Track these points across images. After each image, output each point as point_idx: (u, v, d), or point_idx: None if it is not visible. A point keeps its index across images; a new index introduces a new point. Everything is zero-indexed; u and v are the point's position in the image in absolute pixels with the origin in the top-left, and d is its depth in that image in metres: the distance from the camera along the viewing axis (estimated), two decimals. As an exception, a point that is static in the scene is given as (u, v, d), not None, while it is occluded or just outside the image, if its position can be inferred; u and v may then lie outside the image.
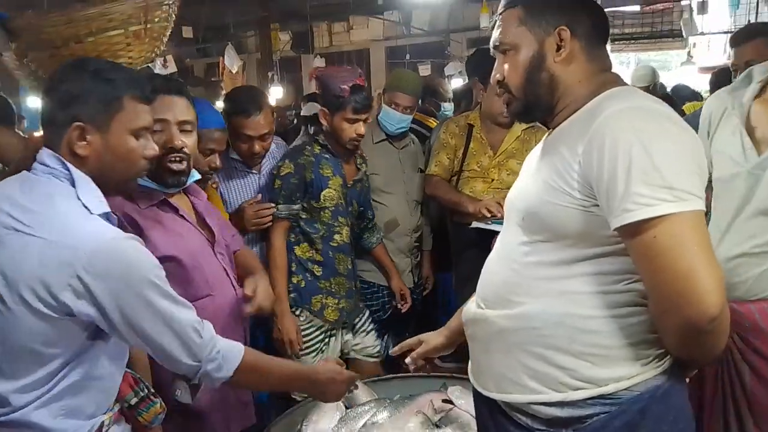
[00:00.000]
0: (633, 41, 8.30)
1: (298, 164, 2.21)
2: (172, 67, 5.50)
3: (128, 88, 1.24)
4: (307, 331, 2.29)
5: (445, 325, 1.53)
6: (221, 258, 1.64)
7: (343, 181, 2.29)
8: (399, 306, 2.61)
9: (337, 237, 2.28)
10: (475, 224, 2.36)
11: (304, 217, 2.25)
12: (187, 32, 6.19)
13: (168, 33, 2.05)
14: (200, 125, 1.78)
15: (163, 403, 1.34)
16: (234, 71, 7.43)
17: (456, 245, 2.67)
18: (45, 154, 1.19)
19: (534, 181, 1.17)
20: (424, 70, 8.41)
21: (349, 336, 2.43)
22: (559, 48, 1.15)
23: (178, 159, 1.54)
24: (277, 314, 2.17)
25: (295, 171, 2.21)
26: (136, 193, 1.50)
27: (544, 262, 1.12)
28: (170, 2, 1.95)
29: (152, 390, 1.34)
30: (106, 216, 1.21)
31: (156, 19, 1.91)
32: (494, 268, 1.24)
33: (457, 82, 7.19)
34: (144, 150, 1.27)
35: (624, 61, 10.21)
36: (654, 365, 1.10)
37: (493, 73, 1.24)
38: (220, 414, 1.60)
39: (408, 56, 8.75)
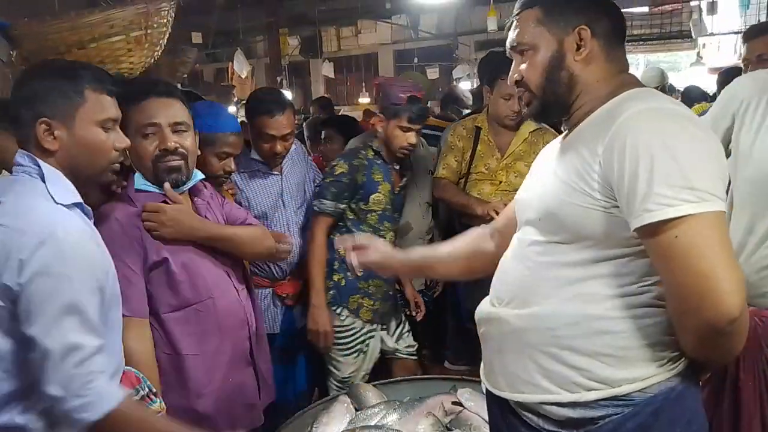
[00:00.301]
0: (642, 42, 8.28)
1: (352, 165, 2.25)
2: (181, 73, 5.54)
3: (89, 81, 1.26)
4: (350, 331, 2.32)
5: (406, 254, 1.50)
6: (223, 259, 1.64)
7: (391, 187, 2.34)
8: (413, 314, 2.60)
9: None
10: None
11: (351, 217, 2.28)
12: (197, 38, 6.23)
13: (165, 38, 2.08)
14: (215, 129, 1.78)
15: (163, 404, 1.35)
16: (243, 76, 7.48)
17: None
18: (18, 154, 1.24)
19: (552, 181, 1.16)
20: (432, 73, 8.43)
21: (391, 341, 2.45)
22: (579, 47, 1.15)
23: (173, 159, 1.55)
24: (313, 306, 2.20)
25: (349, 171, 2.24)
26: (137, 197, 1.51)
27: (560, 263, 1.12)
28: (168, 8, 1.98)
29: (154, 390, 1.35)
30: (78, 206, 1.23)
31: (155, 25, 1.95)
32: (509, 267, 1.24)
33: (465, 85, 7.21)
34: (114, 142, 1.30)
35: (633, 63, 10.18)
36: (668, 367, 1.09)
37: (510, 74, 1.24)
38: (226, 417, 1.61)
39: (416, 59, 8.77)
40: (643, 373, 1.08)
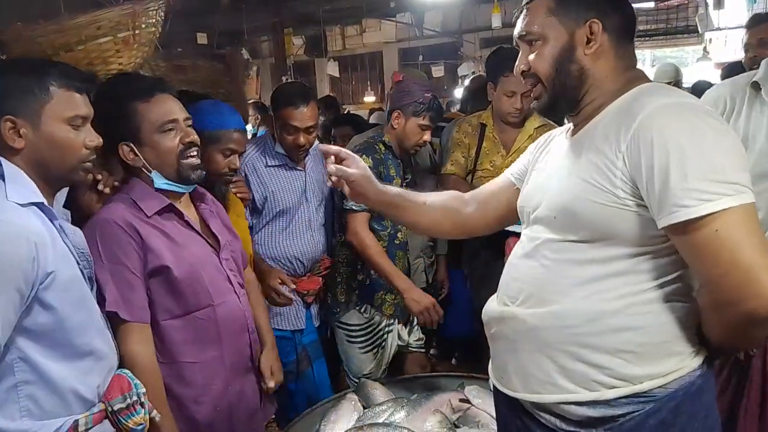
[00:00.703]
0: (648, 38, 8.23)
1: (375, 159, 2.25)
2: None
3: (55, 78, 1.24)
4: (370, 327, 2.33)
5: (383, 187, 1.43)
6: (226, 264, 1.61)
7: (401, 182, 2.34)
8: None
9: (399, 235, 2.33)
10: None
11: (373, 214, 2.27)
12: (202, 38, 6.24)
13: (156, 37, 2.08)
14: (219, 126, 1.77)
15: (147, 415, 1.31)
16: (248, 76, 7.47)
17: (471, 245, 2.67)
18: None
19: (568, 180, 1.14)
20: (438, 71, 8.43)
21: (405, 334, 2.45)
22: (589, 41, 1.14)
23: (194, 154, 1.54)
24: (405, 291, 2.18)
25: (374, 165, 2.22)
26: (142, 199, 1.48)
27: (578, 260, 1.11)
28: (156, 7, 1.98)
29: (143, 399, 1.32)
30: (38, 206, 1.20)
31: (143, 25, 1.95)
32: (521, 266, 1.22)
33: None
34: (85, 140, 1.27)
35: (639, 58, 10.10)
36: (688, 362, 1.09)
37: (517, 64, 1.22)
38: (227, 425, 1.59)
39: (421, 57, 8.77)
40: (663, 369, 1.07)
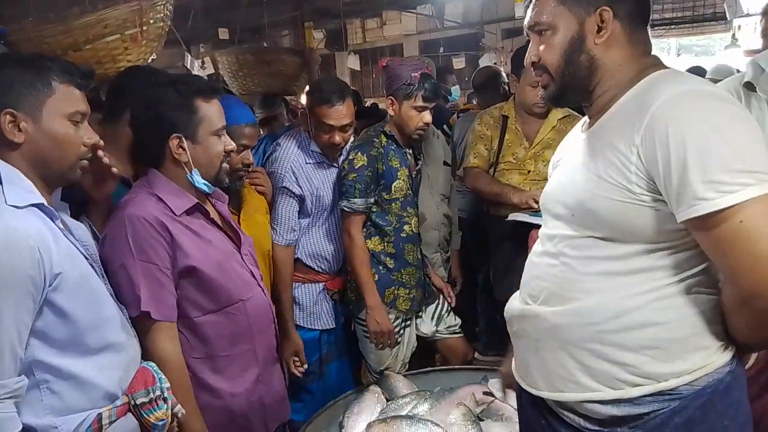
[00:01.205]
0: (674, 26, 8.05)
1: (370, 156, 2.20)
2: (210, 69, 5.60)
3: (57, 73, 1.22)
4: None
5: None
6: (247, 260, 1.63)
7: (408, 171, 2.30)
8: (448, 302, 2.53)
9: (406, 228, 2.29)
10: (512, 217, 2.33)
11: (374, 210, 2.26)
12: (224, 34, 6.29)
13: (166, 31, 2.09)
14: (230, 122, 1.77)
15: (169, 411, 1.31)
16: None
17: (493, 239, 2.65)
18: None
19: (583, 176, 1.11)
20: (459, 62, 8.35)
21: (428, 326, 2.43)
22: (600, 29, 1.10)
23: (229, 160, 1.58)
24: (370, 308, 2.20)
25: (369, 164, 2.19)
26: (169, 197, 1.47)
27: (598, 257, 1.09)
28: (164, 2, 1.98)
29: (166, 394, 1.32)
30: (38, 207, 1.18)
31: (152, 21, 1.95)
32: (541, 264, 1.20)
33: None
34: (84, 137, 1.25)
35: (664, 47, 9.92)
36: (716, 358, 1.05)
37: (527, 55, 1.20)
38: (260, 414, 1.62)
39: (442, 49, 8.71)
40: (690, 366, 1.04)
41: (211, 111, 1.50)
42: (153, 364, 1.36)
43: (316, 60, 3.76)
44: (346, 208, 2.19)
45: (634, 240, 1.05)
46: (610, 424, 1.09)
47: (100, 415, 1.22)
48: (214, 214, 1.59)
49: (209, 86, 1.54)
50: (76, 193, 1.45)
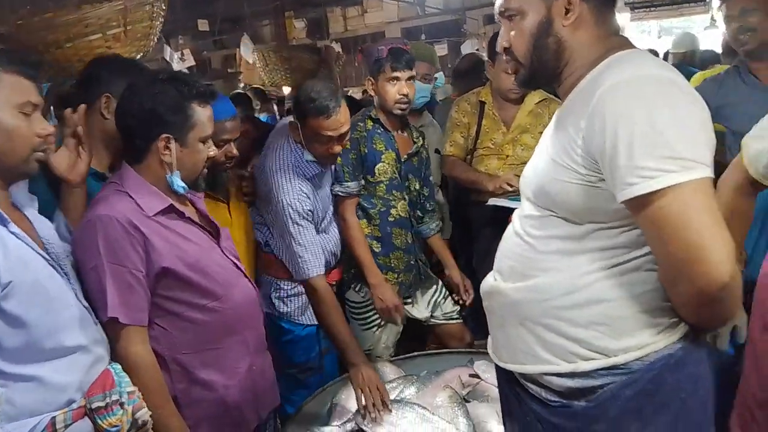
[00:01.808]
0: (654, 8, 8.09)
1: (352, 139, 2.20)
2: (189, 61, 5.55)
3: (3, 64, 1.19)
4: (369, 306, 2.33)
5: None
6: (228, 252, 1.62)
7: (396, 155, 2.31)
8: (464, 299, 2.52)
9: (393, 211, 2.31)
10: (491, 201, 2.37)
11: (361, 193, 2.27)
12: (203, 25, 6.23)
13: (156, 30, 2.07)
14: None
15: (124, 417, 1.25)
16: (250, 61, 7.46)
17: (475, 224, 2.69)
18: None
19: (543, 158, 1.17)
20: (441, 49, 8.34)
21: (421, 311, 2.44)
22: (567, 11, 1.12)
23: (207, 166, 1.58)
24: (373, 286, 2.22)
25: (352, 146, 2.20)
26: (141, 197, 1.43)
27: (555, 237, 1.13)
28: (153, 1, 1.96)
29: (124, 399, 1.27)
30: None
31: (138, 21, 1.93)
32: (509, 242, 1.26)
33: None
34: (37, 128, 1.22)
35: (645, 30, 9.97)
36: (667, 334, 1.09)
37: (498, 40, 1.22)
38: (253, 403, 1.63)
39: (424, 36, 8.68)
40: (639, 342, 1.08)
41: (204, 116, 1.50)
42: (117, 367, 1.32)
43: (332, 56, 3.87)
44: (340, 193, 2.21)
45: (587, 220, 1.09)
46: (569, 396, 1.14)
47: (54, 419, 1.18)
48: (190, 212, 1.59)
49: (208, 91, 1.53)
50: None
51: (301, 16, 9.04)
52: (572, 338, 1.11)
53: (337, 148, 2.05)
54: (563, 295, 1.11)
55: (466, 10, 9.37)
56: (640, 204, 0.97)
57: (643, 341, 1.08)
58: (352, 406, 1.95)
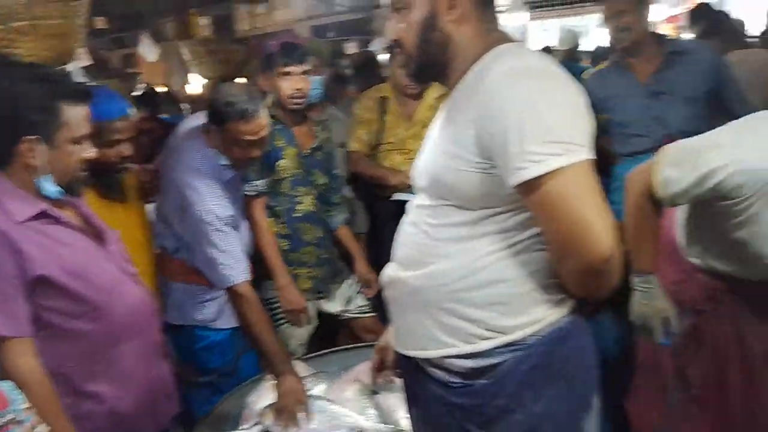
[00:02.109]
0: (552, 8, 8.47)
1: None
2: (85, 60, 5.26)
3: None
4: (278, 303, 2.30)
5: None
6: (115, 256, 1.55)
7: (298, 150, 2.29)
8: (365, 293, 2.54)
9: (299, 207, 2.29)
10: (395, 196, 2.42)
11: (269, 192, 2.24)
12: (101, 23, 5.93)
13: (77, 32, 1.95)
14: (100, 117, 1.66)
15: None
16: (150, 60, 7.19)
17: (381, 219, 2.73)
18: None
19: (435, 148, 1.20)
20: (350, 47, 8.36)
21: (336, 305, 2.44)
22: (451, 6, 1.15)
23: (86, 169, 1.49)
24: (281, 288, 2.19)
25: None
26: (11, 201, 1.36)
27: (450, 224, 1.17)
28: None
29: (21, 417, 1.19)
30: None
31: (48, 16, 1.82)
32: (406, 232, 1.29)
33: (384, 59, 7.19)
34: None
35: (547, 29, 10.40)
36: (556, 309, 1.16)
37: (387, 33, 1.25)
38: (147, 409, 1.57)
39: (332, 34, 8.67)
40: (532, 318, 1.14)
41: (76, 116, 1.40)
42: (9, 385, 1.24)
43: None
44: (249, 192, 2.16)
45: (480, 206, 1.13)
46: (470, 376, 1.18)
47: None
48: (70, 215, 1.50)
49: (80, 90, 1.44)
50: None
51: (205, 13, 8.77)
52: (471, 320, 1.15)
53: (257, 152, 1.99)
54: (460, 279, 1.15)
55: (375, 8, 9.43)
56: (529, 187, 1.02)
57: (537, 317, 1.14)
58: (259, 409, 1.92)
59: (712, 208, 1.42)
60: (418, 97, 2.60)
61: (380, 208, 2.71)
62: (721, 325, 1.63)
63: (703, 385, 1.67)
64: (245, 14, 10.32)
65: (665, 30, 7.27)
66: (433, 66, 1.22)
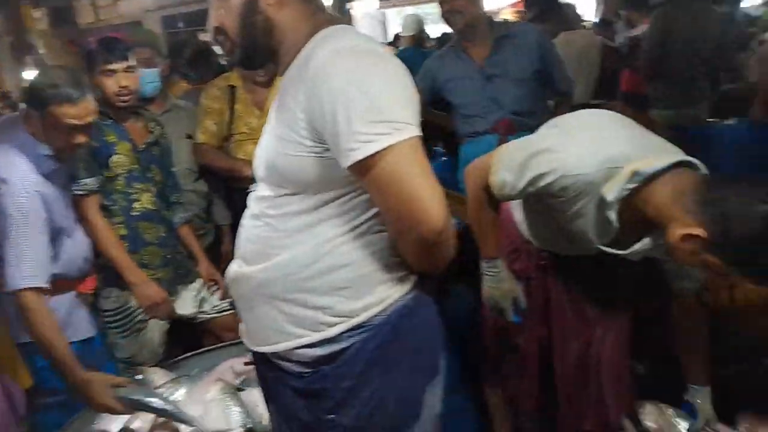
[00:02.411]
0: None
1: None
2: None
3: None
4: (124, 312, 2.18)
5: None
6: None
7: (132, 145, 2.17)
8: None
9: (137, 205, 2.17)
10: (252, 188, 2.35)
11: (102, 191, 2.10)
12: None
13: None
14: None
15: None
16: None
17: (242, 211, 2.65)
18: None
19: (270, 135, 1.18)
20: (205, 35, 8.05)
21: (188, 307, 2.34)
22: None
23: None
24: (135, 285, 2.08)
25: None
26: None
27: (292, 213, 1.15)
28: None
29: None
30: None
31: None
32: (249, 225, 1.25)
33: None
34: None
35: (396, 17, 10.64)
36: (399, 286, 1.18)
37: (207, 21, 1.21)
38: None
39: (182, 25, 8.29)
40: (377, 299, 1.16)
41: None
42: None
43: None
44: (79, 192, 2.02)
45: (319, 190, 1.13)
46: (320, 363, 1.18)
47: None
48: None
49: None
50: None
51: (41, 5, 8.03)
52: (318, 307, 1.15)
53: (81, 139, 1.86)
54: (305, 268, 1.14)
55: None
56: (362, 168, 1.03)
57: (381, 296, 1.16)
58: (113, 426, 1.81)
59: (545, 202, 1.53)
60: (267, 84, 2.54)
61: (238, 199, 2.63)
62: (546, 291, 1.78)
63: (528, 344, 1.83)
64: (87, 5, 9.58)
65: (508, 16, 7.77)
66: (258, 52, 1.19)
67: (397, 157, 1.01)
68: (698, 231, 1.22)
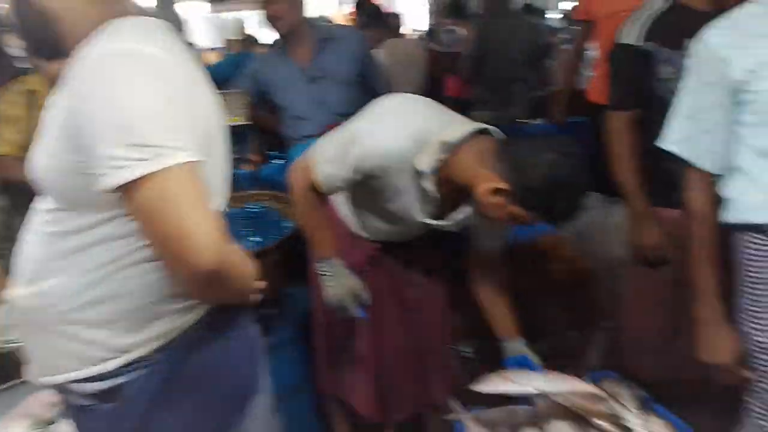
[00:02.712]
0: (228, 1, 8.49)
1: None
2: None
3: None
4: None
5: None
6: None
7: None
8: None
9: None
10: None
11: None
12: None
13: None
14: None
15: None
16: None
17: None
18: None
19: (42, 141, 1.02)
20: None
21: None
22: None
23: None
24: None
25: None
26: None
27: (63, 232, 1.01)
28: None
29: None
30: None
31: None
32: (26, 242, 1.09)
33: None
34: None
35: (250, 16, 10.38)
36: (184, 317, 1.07)
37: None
38: None
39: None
40: (160, 331, 1.04)
41: None
42: None
43: None
44: None
45: (91, 209, 0.99)
46: (102, 398, 1.06)
47: None
48: None
49: None
50: None
51: None
52: (89, 341, 1.02)
53: None
54: (71, 297, 1.01)
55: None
56: (122, 194, 0.88)
57: (163, 329, 1.04)
58: None
59: (367, 187, 1.55)
60: None
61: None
62: (380, 281, 1.82)
63: (363, 339, 1.86)
64: None
65: (344, 23, 7.94)
66: (40, 45, 1.06)
67: (159, 186, 0.86)
68: (501, 184, 1.33)
